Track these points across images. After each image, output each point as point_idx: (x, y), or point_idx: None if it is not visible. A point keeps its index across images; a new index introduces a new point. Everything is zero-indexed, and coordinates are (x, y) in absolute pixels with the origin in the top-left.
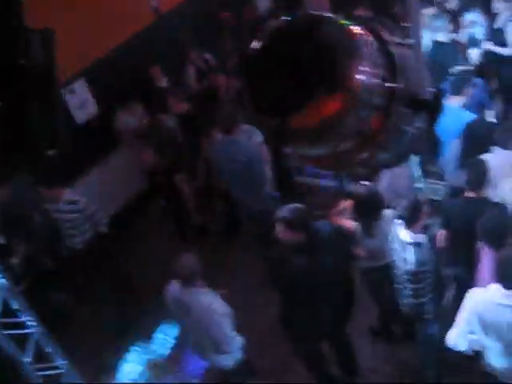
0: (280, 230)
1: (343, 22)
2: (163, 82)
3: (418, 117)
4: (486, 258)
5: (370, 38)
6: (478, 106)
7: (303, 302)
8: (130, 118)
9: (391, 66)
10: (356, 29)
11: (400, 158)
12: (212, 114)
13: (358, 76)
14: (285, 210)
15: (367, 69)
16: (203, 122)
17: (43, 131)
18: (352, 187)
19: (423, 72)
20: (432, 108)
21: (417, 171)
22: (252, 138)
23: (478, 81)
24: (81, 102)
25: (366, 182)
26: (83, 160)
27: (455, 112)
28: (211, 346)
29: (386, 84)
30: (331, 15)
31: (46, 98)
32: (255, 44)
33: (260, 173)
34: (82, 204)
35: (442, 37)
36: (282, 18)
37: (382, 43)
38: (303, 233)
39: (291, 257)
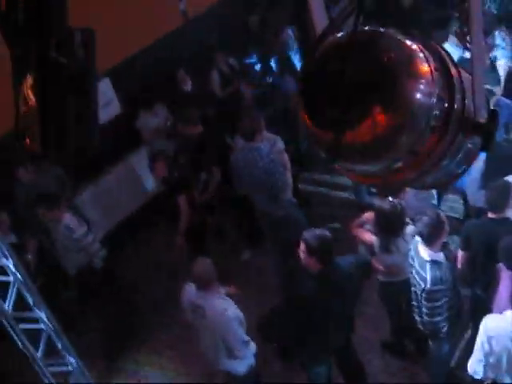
0: (302, 251)
1: (401, 36)
2: (188, 85)
3: (471, 139)
4: (505, 280)
5: (428, 55)
6: (503, 126)
7: (309, 318)
8: (151, 119)
9: (450, 86)
10: (415, 45)
11: (448, 180)
12: (235, 121)
13: (414, 94)
14: (311, 234)
15: (425, 87)
16: (224, 129)
17: (79, 130)
18: (376, 202)
19: (481, 94)
20: (487, 131)
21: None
22: (274, 146)
23: (505, 100)
24: (105, 101)
25: (391, 198)
26: (105, 159)
27: None
28: (224, 350)
29: (443, 104)
30: (390, 30)
31: (83, 99)
32: (312, 60)
33: (281, 180)
34: (77, 234)
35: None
36: (340, 33)
37: (441, 62)
38: (323, 264)
39: (304, 278)
